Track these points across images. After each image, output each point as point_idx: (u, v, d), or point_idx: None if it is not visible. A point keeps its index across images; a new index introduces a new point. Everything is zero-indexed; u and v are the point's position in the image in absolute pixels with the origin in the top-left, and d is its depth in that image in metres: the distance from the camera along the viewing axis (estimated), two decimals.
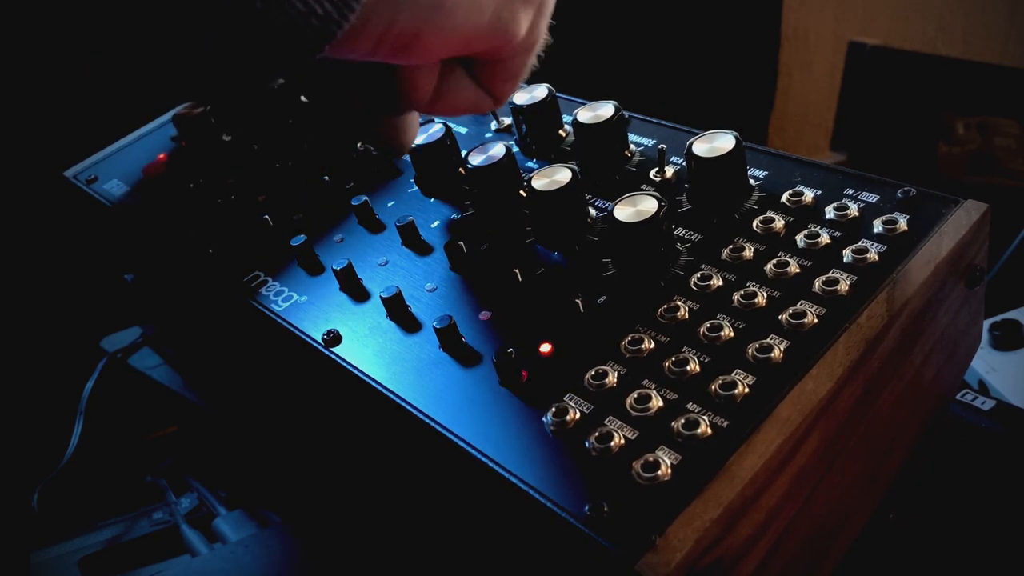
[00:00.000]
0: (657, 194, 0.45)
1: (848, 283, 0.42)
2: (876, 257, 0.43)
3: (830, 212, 0.46)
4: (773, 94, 1.67)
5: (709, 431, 0.37)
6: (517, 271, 0.48)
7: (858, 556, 0.47)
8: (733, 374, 0.39)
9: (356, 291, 0.52)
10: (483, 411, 0.42)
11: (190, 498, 0.75)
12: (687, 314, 0.43)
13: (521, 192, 0.53)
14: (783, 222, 0.47)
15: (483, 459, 0.40)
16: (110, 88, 0.31)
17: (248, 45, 0.30)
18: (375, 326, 0.49)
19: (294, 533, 0.65)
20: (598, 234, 0.50)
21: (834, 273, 0.43)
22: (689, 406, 0.39)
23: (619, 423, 0.39)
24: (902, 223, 0.45)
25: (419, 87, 0.41)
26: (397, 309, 0.49)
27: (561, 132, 0.58)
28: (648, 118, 0.58)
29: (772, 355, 0.39)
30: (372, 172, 0.62)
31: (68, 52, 0.29)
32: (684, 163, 0.51)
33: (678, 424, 0.38)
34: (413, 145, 0.53)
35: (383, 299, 0.49)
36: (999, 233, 0.55)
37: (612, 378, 0.41)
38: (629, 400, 0.39)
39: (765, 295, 0.43)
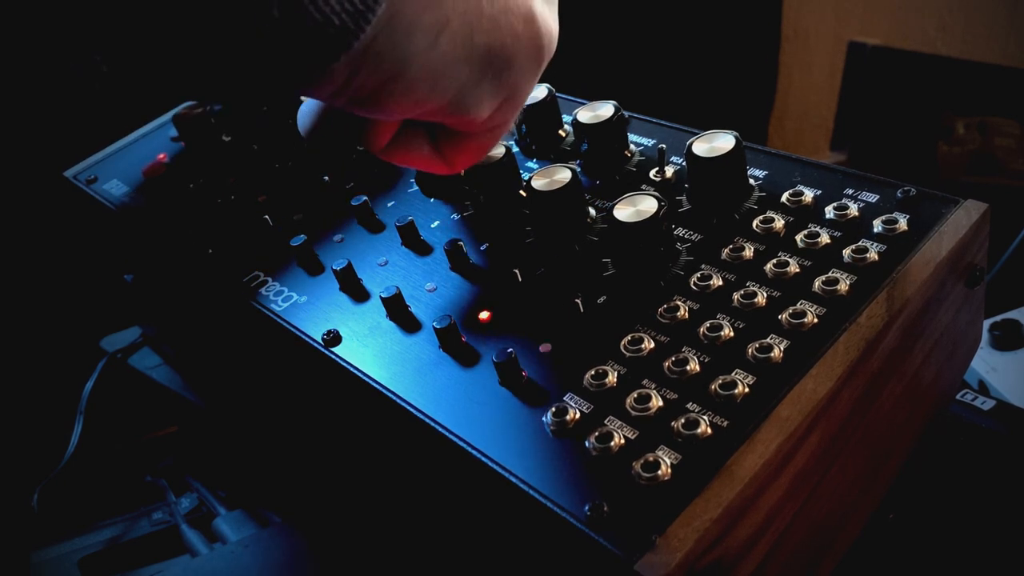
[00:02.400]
0: (657, 194, 0.45)
1: (848, 283, 0.42)
2: (876, 257, 0.43)
3: (830, 212, 0.46)
4: (773, 94, 1.67)
5: (709, 431, 0.37)
6: (517, 271, 0.48)
7: (858, 556, 0.47)
8: (733, 374, 0.39)
9: (356, 291, 0.52)
10: (483, 411, 0.42)
11: (190, 498, 0.75)
12: (687, 314, 0.43)
13: (521, 192, 0.53)
14: (783, 222, 0.47)
15: (483, 459, 0.40)
16: (116, 90, 0.31)
17: (264, 54, 0.30)
18: (375, 326, 0.49)
19: (294, 533, 0.65)
20: (598, 234, 0.50)
21: (834, 273, 0.43)
22: (689, 406, 0.39)
23: (619, 423, 0.39)
24: (902, 223, 0.45)
25: (374, 136, 0.43)
26: (397, 309, 0.49)
27: (561, 132, 0.58)
28: (648, 118, 0.58)
29: (772, 355, 0.39)
30: (372, 172, 0.62)
31: (74, 54, 0.29)
32: (684, 163, 0.51)
33: (678, 424, 0.38)
34: None
35: (383, 299, 0.49)
36: (999, 233, 0.55)
37: (612, 378, 0.41)
38: (629, 400, 0.39)
39: (765, 295, 0.43)
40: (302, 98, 0.66)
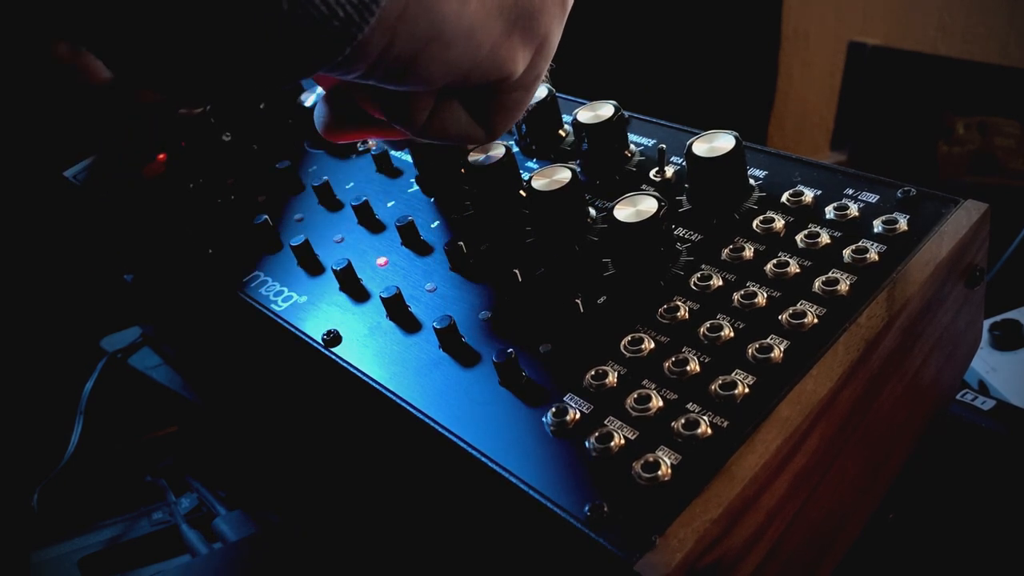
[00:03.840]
0: (657, 194, 0.45)
1: (848, 283, 0.42)
2: (876, 257, 0.43)
3: (830, 212, 0.46)
4: (773, 94, 1.67)
5: (709, 431, 0.37)
6: (517, 271, 0.48)
7: (858, 556, 0.47)
8: (733, 374, 0.39)
9: (356, 291, 0.52)
10: (483, 411, 0.42)
11: (190, 498, 0.75)
12: (687, 314, 0.43)
13: (521, 192, 0.53)
14: (783, 222, 0.47)
15: (483, 459, 0.40)
16: (114, 92, 0.31)
17: (272, 46, 0.30)
18: (375, 326, 0.49)
19: (294, 533, 0.65)
20: (598, 234, 0.50)
21: (834, 273, 0.43)
22: (689, 406, 0.39)
23: (619, 423, 0.39)
24: (902, 223, 0.45)
25: (413, 112, 0.42)
26: (397, 309, 0.49)
27: (561, 132, 0.58)
28: (648, 118, 0.58)
29: (772, 355, 0.39)
30: (372, 173, 0.62)
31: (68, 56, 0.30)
32: (684, 163, 0.51)
33: (678, 424, 0.38)
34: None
35: (383, 299, 0.49)
36: (999, 233, 0.55)
37: (612, 378, 0.41)
38: (629, 400, 0.39)
39: (765, 295, 0.43)
40: (304, 100, 0.67)
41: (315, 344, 0.50)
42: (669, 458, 0.37)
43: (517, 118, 0.46)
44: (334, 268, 0.52)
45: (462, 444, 0.41)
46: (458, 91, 0.42)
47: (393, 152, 0.63)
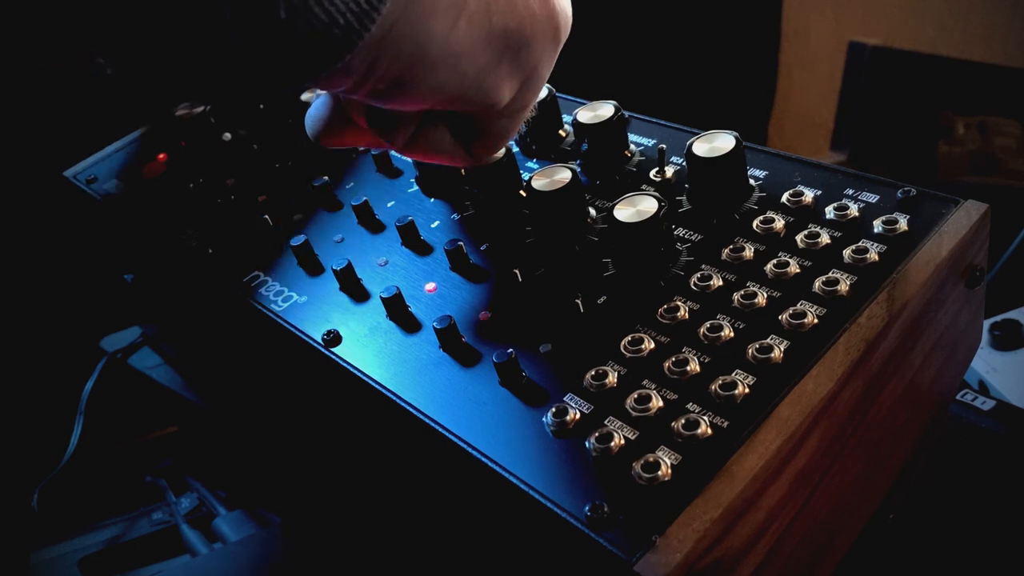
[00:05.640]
0: (657, 194, 0.45)
1: (848, 283, 0.42)
2: (876, 257, 0.43)
3: (830, 212, 0.46)
4: (773, 94, 1.67)
5: (709, 431, 0.37)
6: (517, 271, 0.48)
7: (858, 556, 0.47)
8: (733, 374, 0.39)
9: (356, 291, 0.52)
10: (483, 411, 0.42)
11: (190, 498, 0.75)
12: (687, 314, 0.43)
13: (521, 192, 0.53)
14: (783, 222, 0.47)
15: (483, 459, 0.40)
16: (116, 88, 0.31)
17: (271, 54, 0.30)
18: (375, 326, 0.49)
19: (294, 533, 0.65)
20: (598, 234, 0.50)
21: (834, 273, 0.43)
22: (689, 406, 0.39)
23: (619, 423, 0.39)
24: (902, 223, 0.45)
25: (396, 129, 0.42)
26: (397, 309, 0.49)
27: (561, 132, 0.58)
28: (648, 118, 0.58)
29: (772, 355, 0.39)
30: (372, 173, 0.62)
31: (72, 53, 0.30)
32: (684, 163, 0.51)
33: (678, 424, 0.38)
34: None
35: (383, 299, 0.49)
36: (999, 233, 0.55)
37: (612, 378, 0.41)
38: (629, 400, 0.39)
39: (765, 295, 0.43)
40: (304, 99, 0.67)
41: (315, 344, 0.50)
42: (669, 458, 0.37)
43: (502, 146, 0.46)
44: (334, 268, 0.52)
45: (462, 444, 0.41)
46: (444, 114, 0.43)
47: (393, 152, 0.63)
